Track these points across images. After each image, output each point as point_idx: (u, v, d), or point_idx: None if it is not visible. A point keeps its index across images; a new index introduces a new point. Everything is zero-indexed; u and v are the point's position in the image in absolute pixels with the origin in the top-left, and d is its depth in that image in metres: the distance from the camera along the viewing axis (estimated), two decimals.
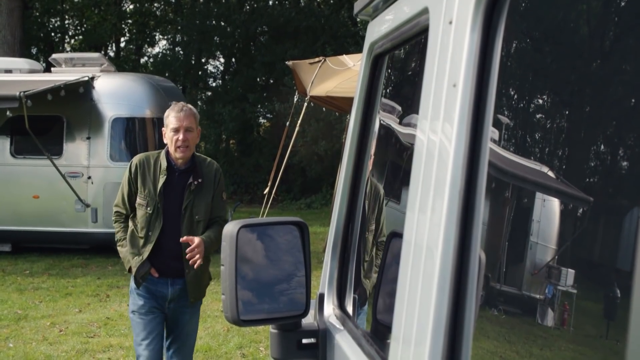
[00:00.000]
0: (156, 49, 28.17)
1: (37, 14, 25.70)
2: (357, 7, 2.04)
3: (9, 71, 12.11)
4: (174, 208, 4.65)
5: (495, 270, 1.07)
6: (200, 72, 25.55)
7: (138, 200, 4.66)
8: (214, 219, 4.75)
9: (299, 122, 11.55)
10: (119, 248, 4.81)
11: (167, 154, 4.66)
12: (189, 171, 4.66)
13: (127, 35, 27.44)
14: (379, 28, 1.89)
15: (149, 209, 4.63)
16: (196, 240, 4.48)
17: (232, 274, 1.71)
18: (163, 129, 4.65)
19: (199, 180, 4.64)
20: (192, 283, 4.76)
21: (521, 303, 1.01)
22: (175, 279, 4.76)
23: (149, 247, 4.68)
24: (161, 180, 4.62)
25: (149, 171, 4.66)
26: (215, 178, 4.73)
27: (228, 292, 1.72)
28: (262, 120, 24.02)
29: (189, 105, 4.67)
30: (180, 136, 4.54)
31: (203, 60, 25.58)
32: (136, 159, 4.71)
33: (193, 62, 25.11)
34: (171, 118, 4.57)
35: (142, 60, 26.91)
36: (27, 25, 21.44)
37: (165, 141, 4.64)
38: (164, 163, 4.65)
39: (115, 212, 4.81)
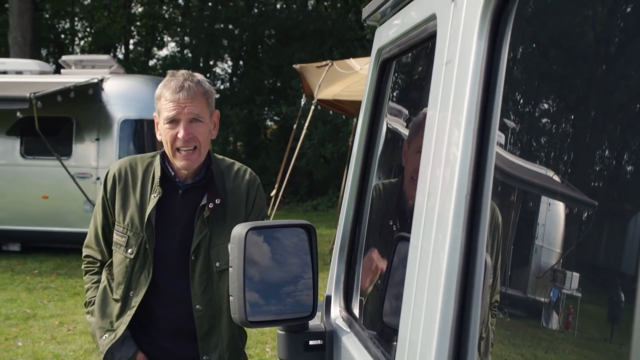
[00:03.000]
0: (165, 51, 28.34)
1: (47, 16, 25.81)
2: (365, 12, 2.06)
3: (19, 72, 12.19)
4: (175, 250, 2.79)
5: (501, 273, 1.09)
6: (208, 75, 25.57)
7: (115, 236, 2.84)
8: None
9: (306, 125, 11.58)
10: (87, 318, 2.96)
11: (164, 158, 2.85)
12: (202, 186, 2.81)
13: (136, 37, 27.53)
14: (386, 34, 1.91)
15: (129, 251, 2.77)
16: None
17: (240, 276, 1.73)
18: (154, 115, 2.84)
19: (218, 201, 2.77)
20: None
21: (526, 306, 1.02)
22: None
23: (127, 318, 2.80)
24: (152, 201, 2.76)
25: (134, 187, 2.82)
26: (249, 194, 2.83)
27: (236, 294, 1.73)
28: (269, 123, 24.06)
29: (197, 76, 2.79)
30: (181, 132, 2.69)
31: (211, 62, 25.66)
32: (115, 167, 2.87)
33: (201, 64, 25.18)
34: (163, 101, 2.73)
35: (151, 63, 26.98)
36: (38, 27, 21.55)
37: (158, 137, 2.83)
38: (157, 173, 2.80)
39: (85, 256, 2.97)
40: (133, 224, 2.79)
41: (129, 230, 2.79)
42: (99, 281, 2.91)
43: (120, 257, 2.81)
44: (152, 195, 2.78)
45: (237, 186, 2.85)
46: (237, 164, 2.93)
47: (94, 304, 2.89)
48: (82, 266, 3.01)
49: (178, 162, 2.76)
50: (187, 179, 2.83)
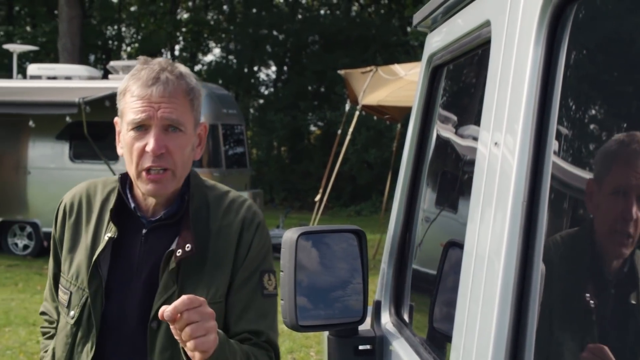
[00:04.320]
0: (210, 57, 28.59)
1: (95, 22, 26.30)
2: (416, 19, 2.07)
3: (68, 78, 12.45)
4: (132, 315, 1.98)
5: (558, 282, 1.08)
6: (252, 80, 25.83)
7: (59, 292, 2.07)
8: (244, 337, 1.95)
9: (351, 130, 11.61)
10: None
11: (125, 183, 2.05)
12: (175, 224, 2.00)
13: (182, 43, 27.89)
14: (438, 40, 1.91)
15: (71, 314, 2.00)
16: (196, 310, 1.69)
17: (291, 281, 1.74)
18: (115, 120, 2.02)
19: (188, 247, 1.92)
20: None
21: (584, 316, 1.01)
22: None
23: None
24: (102, 244, 1.98)
25: (87, 223, 2.06)
26: (242, 238, 2.00)
27: (287, 298, 1.75)
28: (312, 128, 24.16)
29: (180, 68, 1.99)
30: (151, 143, 1.88)
31: (255, 68, 25.88)
32: (68, 196, 2.13)
33: (246, 70, 25.40)
34: (129, 98, 1.92)
35: (197, 68, 27.30)
36: (86, 33, 21.98)
37: (119, 151, 2.02)
38: (112, 202, 2.03)
39: (42, 313, 2.21)
40: (78, 276, 2.00)
41: (72, 284, 2.01)
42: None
43: (62, 322, 2.04)
44: (106, 235, 1.98)
45: (227, 225, 2.00)
46: (233, 194, 2.08)
47: None
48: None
49: (143, 186, 1.93)
50: (154, 212, 2.01)
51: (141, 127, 1.91)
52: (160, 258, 1.96)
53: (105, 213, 2.03)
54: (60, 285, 2.06)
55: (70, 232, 2.06)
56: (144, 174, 1.92)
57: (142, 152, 1.90)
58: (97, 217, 2.04)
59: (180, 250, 1.93)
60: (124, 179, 2.05)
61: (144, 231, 2.01)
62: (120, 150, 2.01)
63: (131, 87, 1.93)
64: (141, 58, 2.00)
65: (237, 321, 1.96)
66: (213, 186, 2.10)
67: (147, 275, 1.98)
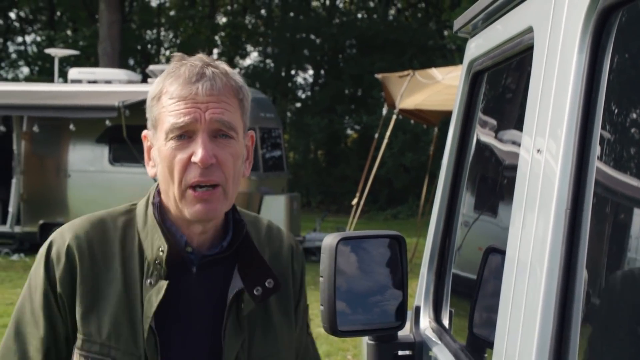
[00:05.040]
0: (247, 61, 28.75)
1: (135, 26, 26.65)
2: (456, 24, 2.07)
3: (108, 82, 12.64)
4: None
5: (603, 290, 1.07)
6: (289, 84, 25.94)
7: (88, 359, 1.58)
8: None
9: (388, 134, 11.60)
10: None
11: (161, 211, 1.64)
12: (223, 259, 1.66)
13: (220, 47, 28.11)
14: (478, 45, 1.91)
15: None
16: None
17: (331, 286, 1.75)
18: (144, 134, 1.72)
19: (270, 283, 1.64)
20: None
21: (630, 325, 1.00)
22: None
23: None
24: (153, 294, 1.58)
25: (108, 269, 1.61)
26: (294, 269, 1.80)
27: (327, 304, 1.75)
28: (349, 132, 24.20)
29: (224, 66, 1.64)
30: (199, 152, 1.51)
31: (292, 72, 25.97)
32: (68, 236, 1.63)
33: (283, 74, 25.52)
34: (166, 101, 1.56)
35: None
36: (125, 37, 22.29)
37: (151, 172, 1.68)
38: (156, 240, 1.60)
39: None
40: (119, 337, 1.58)
41: (113, 347, 1.58)
42: None
43: None
44: (148, 281, 1.59)
45: (275, 255, 1.74)
46: (263, 219, 1.81)
47: None
48: None
49: (188, 208, 1.56)
50: (200, 244, 1.65)
51: (183, 136, 1.55)
52: (220, 300, 1.63)
53: (130, 253, 1.63)
54: (82, 352, 1.59)
55: (85, 283, 1.60)
56: (189, 192, 1.55)
57: (187, 165, 1.54)
58: (120, 260, 1.62)
59: (259, 288, 1.62)
60: (160, 208, 1.64)
61: (194, 269, 1.64)
62: (152, 169, 1.66)
63: (169, 88, 1.57)
64: (177, 55, 1.64)
65: None
66: (239, 210, 1.73)
67: (208, 322, 1.64)
